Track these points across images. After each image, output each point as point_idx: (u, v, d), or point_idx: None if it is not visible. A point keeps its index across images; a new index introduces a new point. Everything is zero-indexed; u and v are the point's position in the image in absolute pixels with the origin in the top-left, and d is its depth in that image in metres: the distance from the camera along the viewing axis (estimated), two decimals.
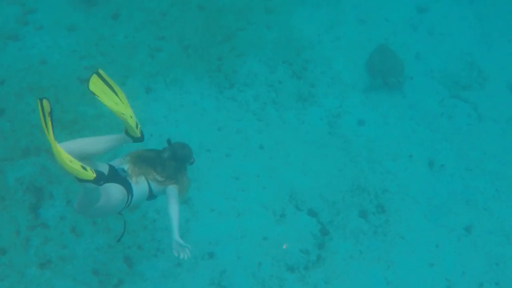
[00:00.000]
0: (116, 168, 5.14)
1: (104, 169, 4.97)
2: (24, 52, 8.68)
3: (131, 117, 4.92)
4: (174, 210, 5.12)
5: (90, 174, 4.18)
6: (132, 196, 5.15)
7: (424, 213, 8.38)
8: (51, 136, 4.09)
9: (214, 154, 8.21)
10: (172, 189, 5.33)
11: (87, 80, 4.76)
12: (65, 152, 4.12)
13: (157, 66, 8.90)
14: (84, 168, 4.16)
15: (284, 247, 7.66)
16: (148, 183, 5.31)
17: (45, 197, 7.46)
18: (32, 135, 7.81)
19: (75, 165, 4.10)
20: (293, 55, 9.58)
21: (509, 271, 8.11)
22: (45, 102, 4.10)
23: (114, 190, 4.94)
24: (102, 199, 4.73)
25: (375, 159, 8.73)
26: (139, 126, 5.10)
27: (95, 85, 4.78)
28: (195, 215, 7.70)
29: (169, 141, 5.53)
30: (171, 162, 5.40)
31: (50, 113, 4.12)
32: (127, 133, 5.04)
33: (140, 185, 5.23)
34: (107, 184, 4.78)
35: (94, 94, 4.72)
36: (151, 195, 5.42)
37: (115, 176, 5.04)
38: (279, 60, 9.45)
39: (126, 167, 5.20)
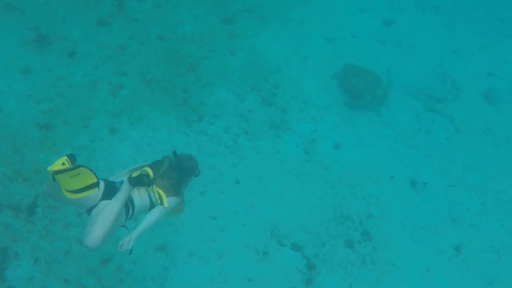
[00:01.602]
0: (114, 182, 5.12)
1: (100, 185, 4.92)
2: None
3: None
4: (149, 219, 5.17)
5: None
6: (133, 207, 5.13)
7: (411, 236, 8.06)
8: None
9: (188, 194, 7.64)
10: (168, 200, 5.18)
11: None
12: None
13: (120, 104, 8.43)
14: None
15: None
16: (149, 195, 5.23)
17: (10, 258, 6.91)
18: None
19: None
20: (261, 80, 9.21)
21: None
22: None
23: None
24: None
25: (356, 183, 8.38)
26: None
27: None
28: (173, 262, 7.22)
29: (174, 153, 5.53)
30: (172, 173, 5.38)
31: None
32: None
33: (141, 197, 5.20)
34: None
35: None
36: (153, 206, 5.32)
37: (113, 190, 4.98)
38: (247, 87, 9.07)
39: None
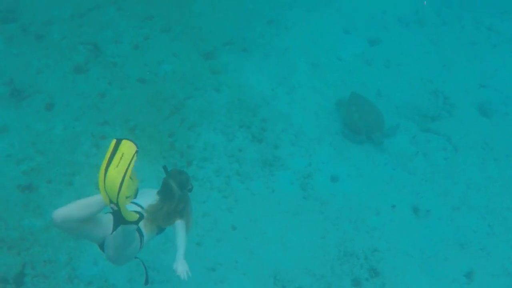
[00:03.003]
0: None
1: (109, 218, 4.98)
2: None
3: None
4: (181, 238, 5.33)
5: (134, 215, 4.57)
6: (142, 235, 5.21)
7: (420, 267, 7.72)
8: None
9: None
10: (179, 223, 5.40)
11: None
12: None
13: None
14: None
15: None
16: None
17: None
18: None
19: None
20: (249, 116, 8.87)
21: None
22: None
23: None
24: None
25: (357, 217, 8.04)
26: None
27: None
28: None
29: (165, 168, 5.46)
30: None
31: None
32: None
33: (145, 225, 5.28)
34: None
35: None
36: (160, 230, 5.47)
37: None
38: (235, 125, 8.72)
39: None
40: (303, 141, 8.73)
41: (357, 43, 10.34)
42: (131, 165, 4.33)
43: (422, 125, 9.34)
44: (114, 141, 4.44)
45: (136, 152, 4.37)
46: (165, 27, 9.83)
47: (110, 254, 5.06)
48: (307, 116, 9.08)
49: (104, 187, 4.35)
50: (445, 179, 8.72)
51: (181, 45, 9.64)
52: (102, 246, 5.09)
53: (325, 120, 9.10)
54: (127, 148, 4.38)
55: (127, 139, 4.43)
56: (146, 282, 5.25)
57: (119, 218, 4.58)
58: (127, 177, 4.29)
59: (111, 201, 4.41)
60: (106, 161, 4.39)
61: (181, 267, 5.18)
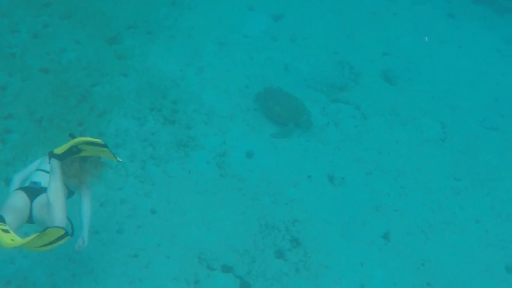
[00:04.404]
0: (32, 185, 5.31)
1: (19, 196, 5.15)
2: None
3: None
4: (85, 207, 5.52)
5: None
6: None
7: (340, 234, 7.91)
8: None
9: (103, 236, 7.21)
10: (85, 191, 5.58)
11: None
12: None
13: (11, 151, 7.71)
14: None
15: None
16: None
17: None
18: None
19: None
20: (160, 99, 8.76)
21: (435, 268, 7.83)
22: None
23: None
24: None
25: (275, 190, 8.13)
26: None
27: None
28: None
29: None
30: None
31: None
32: None
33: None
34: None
35: None
36: (70, 192, 5.46)
37: (35, 190, 5.24)
38: (146, 109, 8.58)
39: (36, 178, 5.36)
40: (215, 120, 8.72)
41: (261, 19, 10.40)
42: None
43: (330, 96, 9.52)
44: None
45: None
46: (65, 13, 9.50)
47: (44, 214, 5.09)
48: (218, 95, 9.07)
49: None
50: (357, 146, 8.96)
51: (83, 32, 9.36)
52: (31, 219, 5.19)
53: (236, 98, 9.12)
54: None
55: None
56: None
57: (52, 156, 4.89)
58: None
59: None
60: None
61: (82, 243, 5.43)
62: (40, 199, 5.13)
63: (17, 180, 5.58)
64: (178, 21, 10.02)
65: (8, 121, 8.04)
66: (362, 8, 11.14)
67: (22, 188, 5.27)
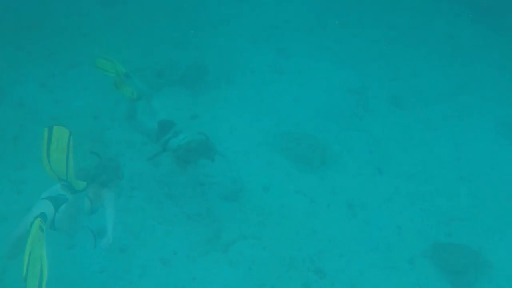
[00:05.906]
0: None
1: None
2: None
3: None
4: (109, 213, 5.91)
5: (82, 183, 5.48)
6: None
7: (365, 261, 7.73)
8: None
9: (126, 279, 7.06)
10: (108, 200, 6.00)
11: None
12: None
13: (26, 202, 7.53)
14: None
15: None
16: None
17: None
18: None
19: None
20: None
21: None
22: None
23: None
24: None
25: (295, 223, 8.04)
26: None
27: None
28: None
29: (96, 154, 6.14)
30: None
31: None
32: None
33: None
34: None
35: None
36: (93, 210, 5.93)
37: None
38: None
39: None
40: (230, 156, 8.59)
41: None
42: (71, 144, 5.08)
43: (341, 124, 9.61)
44: (46, 130, 5.07)
45: (70, 134, 5.11)
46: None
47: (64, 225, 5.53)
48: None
49: (51, 170, 5.11)
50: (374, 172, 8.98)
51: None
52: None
53: (250, 133, 9.12)
54: (60, 133, 5.07)
55: (57, 125, 5.11)
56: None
57: (70, 190, 5.40)
58: (71, 155, 5.06)
59: (60, 179, 5.23)
60: (45, 149, 5.06)
61: (107, 242, 5.80)
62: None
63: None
64: None
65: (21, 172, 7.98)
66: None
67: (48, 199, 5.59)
